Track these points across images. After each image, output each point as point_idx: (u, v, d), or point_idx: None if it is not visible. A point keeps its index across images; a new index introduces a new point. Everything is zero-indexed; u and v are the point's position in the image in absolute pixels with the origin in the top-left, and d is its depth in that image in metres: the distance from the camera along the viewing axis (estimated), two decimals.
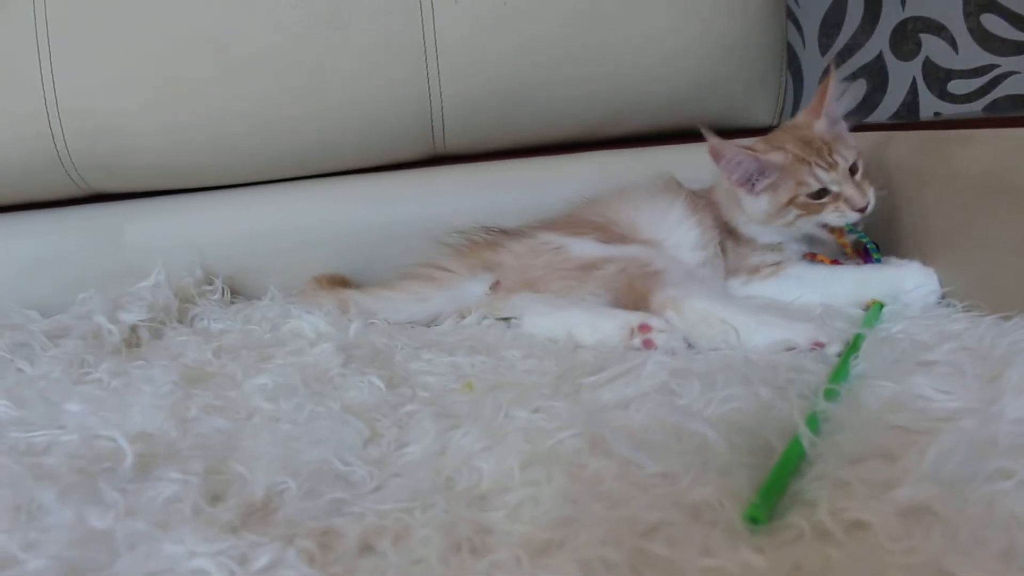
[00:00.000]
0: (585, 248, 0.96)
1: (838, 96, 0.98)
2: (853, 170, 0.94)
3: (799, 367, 0.69)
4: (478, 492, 0.53)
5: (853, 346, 0.71)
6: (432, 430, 0.64)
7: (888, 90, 1.55)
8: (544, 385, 0.71)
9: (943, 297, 0.87)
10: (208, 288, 1.22)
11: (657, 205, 1.04)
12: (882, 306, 0.86)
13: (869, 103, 1.57)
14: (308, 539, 0.48)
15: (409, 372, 0.81)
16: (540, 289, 0.93)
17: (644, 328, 0.80)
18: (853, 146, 0.95)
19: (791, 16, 1.56)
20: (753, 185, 0.96)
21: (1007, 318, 0.74)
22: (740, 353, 0.73)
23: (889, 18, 1.53)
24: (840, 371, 0.66)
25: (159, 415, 0.71)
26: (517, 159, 1.30)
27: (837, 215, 0.94)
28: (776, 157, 0.94)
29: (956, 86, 1.51)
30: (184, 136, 1.22)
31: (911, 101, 1.54)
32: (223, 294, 1.23)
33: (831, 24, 1.57)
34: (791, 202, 0.94)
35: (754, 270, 0.99)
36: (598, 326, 0.83)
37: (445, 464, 0.59)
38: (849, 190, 0.92)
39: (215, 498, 0.56)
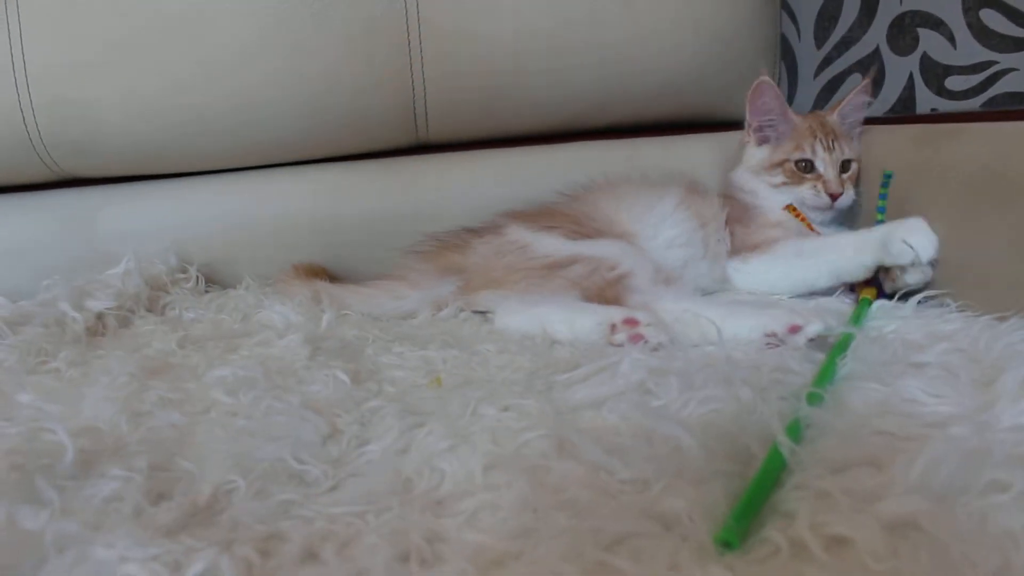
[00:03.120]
0: (552, 246, 0.94)
1: (857, 105, 1.05)
2: (845, 167, 1.02)
3: (784, 367, 0.65)
4: (437, 496, 0.50)
5: (841, 345, 0.67)
6: (395, 427, 0.61)
7: (885, 85, 1.52)
8: (516, 382, 0.68)
9: (936, 297, 0.84)
10: (182, 276, 1.18)
11: (640, 199, 1.01)
12: (870, 301, 0.83)
13: None
14: (249, 545, 0.45)
15: (378, 366, 0.78)
16: (504, 289, 0.90)
17: (630, 322, 0.76)
18: (854, 150, 1.03)
19: (786, 8, 1.52)
20: (766, 137, 1.06)
21: (1003, 318, 0.71)
22: (723, 352, 0.70)
23: (887, 12, 1.49)
24: (826, 372, 0.62)
25: (111, 408, 0.67)
26: (502, 148, 1.26)
27: (813, 193, 1.01)
28: (797, 119, 1.06)
29: (954, 82, 1.47)
30: (158, 119, 1.18)
31: (907, 97, 1.50)
32: (197, 282, 1.19)
33: (827, 17, 1.53)
34: (782, 164, 1.03)
35: (755, 247, 1.01)
36: (575, 322, 0.79)
37: (406, 464, 0.55)
38: (830, 173, 1.00)
39: (160, 497, 0.53)
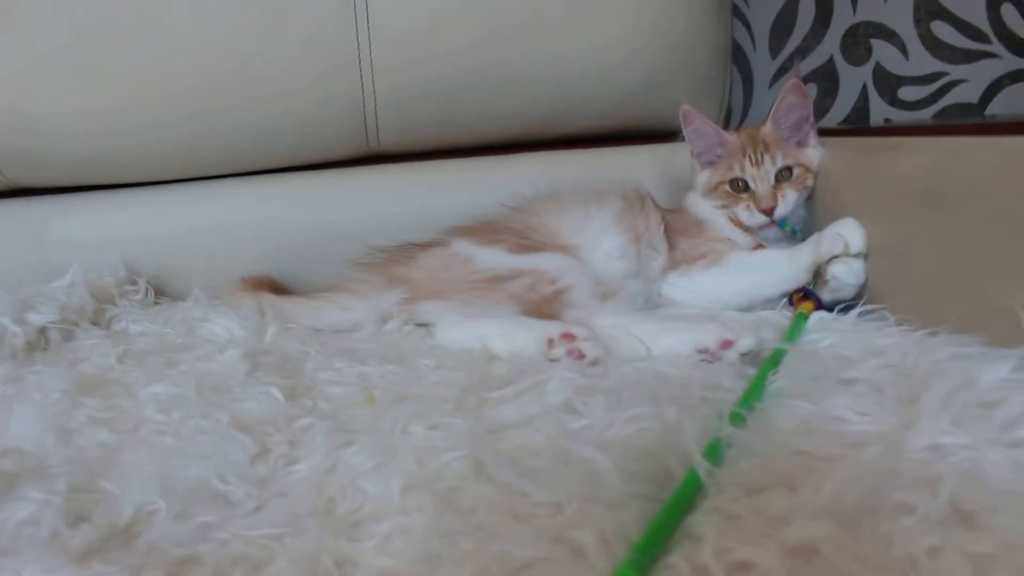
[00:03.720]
0: (494, 259, 0.94)
1: (790, 106, 1.00)
2: (781, 176, 0.99)
3: (714, 384, 0.66)
4: (356, 517, 0.50)
5: (772, 361, 0.68)
6: (324, 446, 0.60)
7: (839, 95, 1.53)
8: (449, 399, 0.68)
9: (875, 311, 0.84)
10: (130, 288, 1.16)
11: (580, 211, 1.02)
12: (807, 316, 0.83)
13: (819, 108, 1.55)
14: (160, 570, 0.44)
15: (316, 382, 0.77)
16: (446, 299, 0.89)
17: (567, 336, 0.76)
18: (793, 156, 0.99)
19: (740, 18, 1.53)
20: (710, 162, 1.05)
21: (935, 333, 0.72)
22: (653, 368, 0.70)
23: (840, 22, 1.51)
24: (754, 389, 0.63)
25: (40, 426, 0.66)
26: (456, 159, 1.26)
27: (747, 213, 0.99)
28: (731, 138, 1.03)
29: (906, 92, 1.49)
30: (107, 130, 1.17)
31: (862, 107, 1.52)
32: (147, 294, 1.18)
33: (782, 27, 1.54)
34: (718, 187, 1.02)
35: (699, 258, 1.00)
36: (513, 336, 0.79)
37: (331, 484, 0.55)
38: (761, 188, 0.98)
39: (79, 519, 0.52)
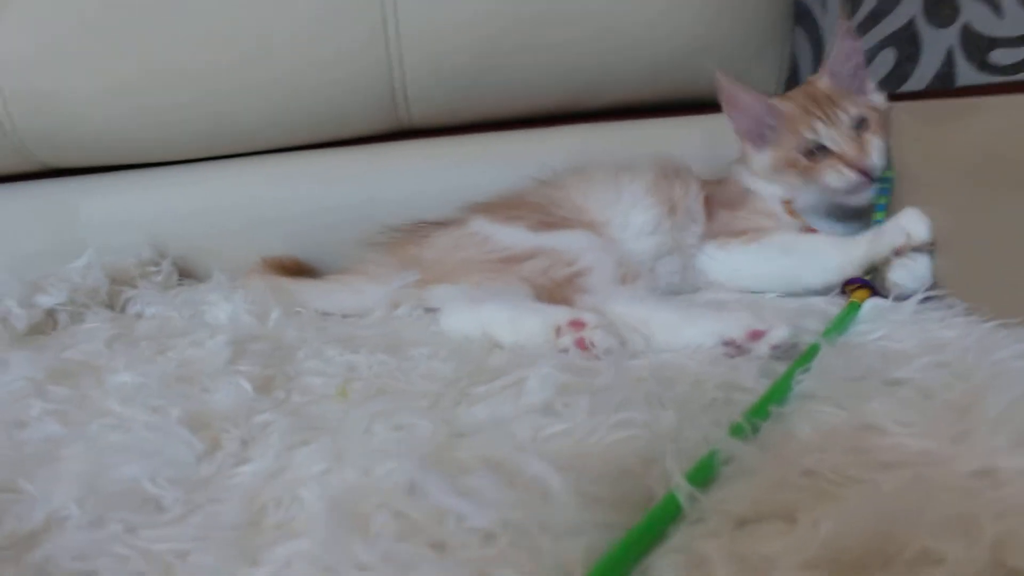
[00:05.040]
0: (513, 238, 0.86)
1: (847, 53, 0.90)
2: (861, 126, 0.87)
3: (733, 383, 0.56)
4: (274, 535, 0.43)
5: (804, 357, 0.57)
6: (277, 445, 0.54)
7: (921, 60, 1.38)
8: (428, 394, 0.60)
9: (942, 297, 0.72)
10: (153, 269, 1.13)
11: (611, 184, 0.93)
12: (858, 306, 0.72)
13: (899, 74, 1.40)
14: None
15: (300, 371, 0.70)
16: (456, 283, 0.82)
17: (576, 324, 0.67)
18: (864, 103, 0.88)
19: None
20: (762, 136, 0.92)
21: (1007, 325, 0.61)
22: (671, 361, 0.61)
23: None
24: (777, 391, 0.52)
25: None
26: (491, 132, 1.18)
27: (838, 177, 0.86)
28: (784, 105, 0.91)
29: (999, 56, 1.32)
30: (131, 108, 1.14)
31: (946, 73, 1.36)
32: (170, 276, 1.14)
33: None
34: (789, 160, 0.89)
35: (739, 233, 0.90)
36: (520, 323, 0.71)
37: (269, 491, 0.48)
38: (847, 147, 0.85)
39: None
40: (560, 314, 0.69)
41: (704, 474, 0.42)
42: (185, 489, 0.50)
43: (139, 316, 1.01)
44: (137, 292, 1.06)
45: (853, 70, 0.89)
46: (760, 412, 0.49)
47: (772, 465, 0.42)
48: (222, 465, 0.53)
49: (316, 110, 1.15)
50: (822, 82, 0.90)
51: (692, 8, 1.06)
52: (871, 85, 0.90)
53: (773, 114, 0.90)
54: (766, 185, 0.93)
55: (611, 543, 0.36)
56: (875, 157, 0.85)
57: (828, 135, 0.87)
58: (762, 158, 0.93)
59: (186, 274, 1.18)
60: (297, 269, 1.09)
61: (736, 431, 0.45)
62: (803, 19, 1.42)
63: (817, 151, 0.87)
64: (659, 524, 0.37)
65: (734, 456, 0.43)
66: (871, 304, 0.72)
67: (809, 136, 0.87)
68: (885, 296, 0.76)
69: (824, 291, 0.81)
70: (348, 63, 1.11)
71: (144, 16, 1.10)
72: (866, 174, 0.84)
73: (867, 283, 0.78)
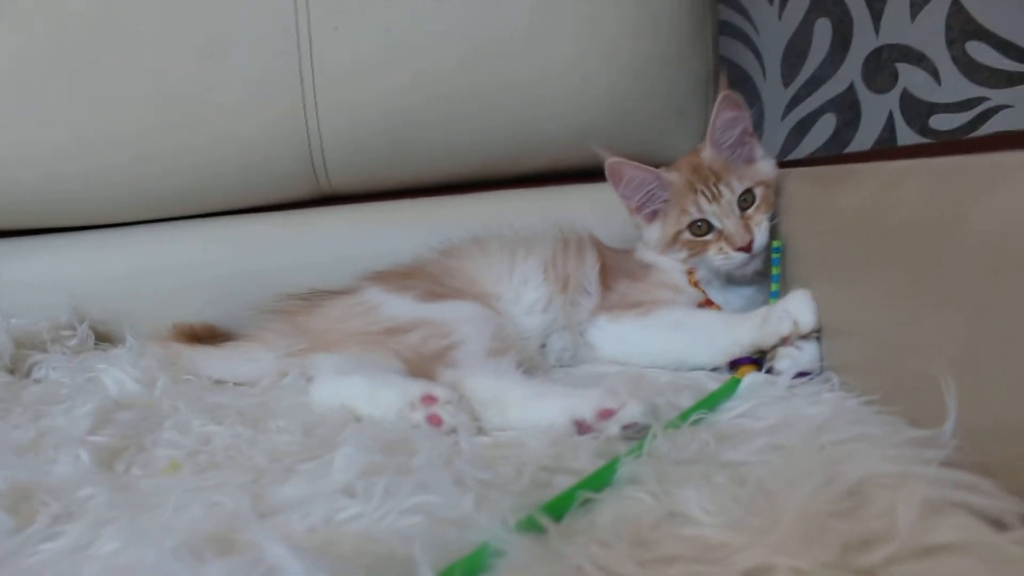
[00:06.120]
0: (399, 308, 0.84)
1: (727, 123, 0.87)
2: (744, 203, 0.85)
3: (559, 466, 0.53)
4: None
5: (638, 446, 0.55)
6: (86, 523, 0.52)
7: (861, 125, 1.37)
8: (256, 470, 0.58)
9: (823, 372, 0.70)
10: (67, 333, 1.12)
11: (505, 258, 0.92)
12: (739, 381, 0.69)
13: (840, 140, 1.39)
14: None
15: (156, 442, 0.68)
16: (338, 351, 0.80)
17: (427, 400, 0.65)
18: (749, 176, 0.86)
19: (750, 45, 1.40)
20: (653, 211, 0.92)
21: (872, 403, 0.58)
22: (511, 439, 0.58)
23: (861, 46, 1.36)
24: (595, 476, 0.50)
25: None
26: (410, 199, 1.17)
27: (722, 257, 0.85)
28: (671, 176, 0.90)
29: (939, 121, 1.32)
30: (48, 170, 1.14)
31: (888, 138, 1.35)
32: (86, 339, 1.13)
33: (795, 52, 1.40)
34: (677, 237, 0.88)
35: (635, 305, 0.88)
36: (377, 396, 0.69)
37: (55, 570, 0.47)
38: (730, 224, 0.84)
39: None
40: (415, 388, 0.67)
41: (472, 567, 0.39)
42: None
43: (38, 381, 0.99)
44: (45, 357, 1.04)
45: (738, 138, 0.87)
46: (567, 499, 0.47)
47: (543, 561, 0.40)
48: (26, 542, 0.51)
49: (239, 176, 1.15)
50: (706, 154, 0.88)
51: (609, 77, 1.06)
52: (760, 151, 0.89)
53: (663, 185, 0.89)
54: (664, 258, 0.91)
55: None
56: (759, 237, 0.84)
57: (712, 213, 0.86)
58: (654, 232, 0.92)
59: (105, 338, 1.17)
60: (210, 335, 1.07)
61: (527, 524, 0.42)
62: (744, 84, 1.42)
63: (703, 226, 0.87)
64: None
65: (506, 550, 0.40)
66: (750, 379, 0.70)
67: (694, 214, 0.86)
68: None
69: (711, 369, 0.79)
70: (270, 132, 1.12)
71: (72, 83, 1.11)
72: (749, 252, 0.83)
73: (754, 360, 0.75)
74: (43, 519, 0.54)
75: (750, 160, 0.88)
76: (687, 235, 0.88)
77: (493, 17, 1.05)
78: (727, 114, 0.85)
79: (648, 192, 0.90)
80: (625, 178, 0.90)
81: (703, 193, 0.85)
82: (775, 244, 0.84)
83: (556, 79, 1.06)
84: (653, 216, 0.92)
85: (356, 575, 0.38)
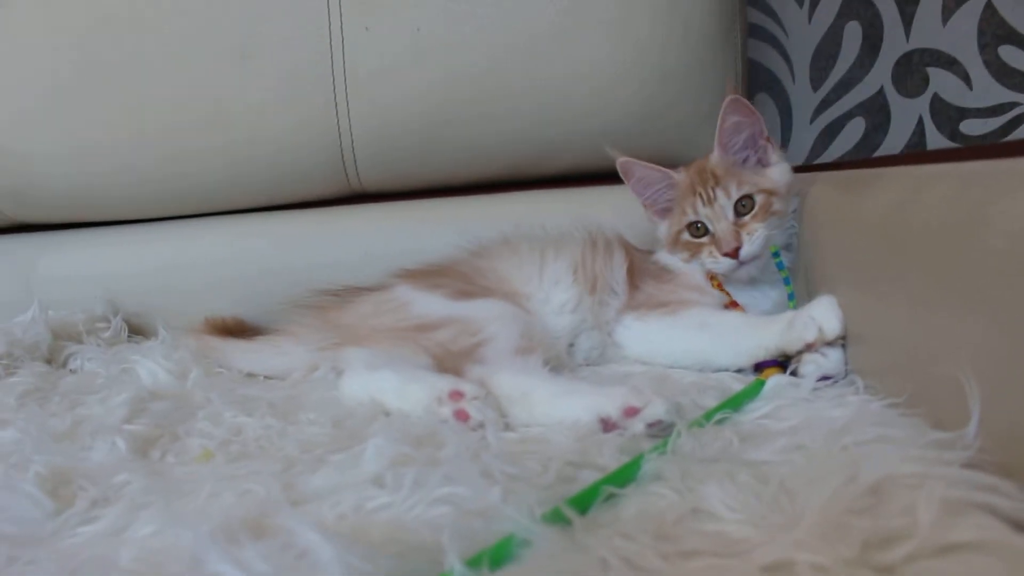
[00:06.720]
0: (430, 306, 0.86)
1: (733, 128, 0.87)
2: (741, 209, 0.86)
3: (585, 461, 0.54)
4: None
5: (663, 443, 0.55)
6: (123, 506, 0.54)
7: (890, 130, 1.37)
8: (288, 460, 0.59)
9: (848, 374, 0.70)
10: (102, 326, 1.14)
11: (536, 258, 0.93)
12: (763, 383, 0.69)
13: (869, 144, 1.39)
14: None
15: (189, 432, 0.70)
16: (367, 346, 0.81)
17: (455, 395, 0.66)
18: (751, 182, 0.86)
19: (778, 48, 1.40)
20: (666, 208, 0.94)
21: (896, 405, 0.58)
22: (538, 435, 0.59)
23: (891, 50, 1.35)
24: (620, 471, 0.51)
25: None
26: (439, 198, 1.19)
27: (712, 260, 0.87)
28: (678, 176, 0.92)
29: (970, 126, 1.31)
30: (84, 166, 1.18)
31: (917, 143, 1.35)
32: (119, 332, 1.15)
33: (825, 56, 1.39)
34: (678, 236, 0.91)
35: (661, 305, 0.88)
36: (406, 391, 0.70)
37: (85, 551, 0.48)
38: (721, 228, 0.85)
39: None
40: (443, 384, 0.68)
41: (498, 557, 0.40)
42: (16, 545, 0.49)
43: (73, 372, 1.02)
44: (81, 348, 1.07)
45: (748, 142, 0.87)
46: (592, 493, 0.48)
47: (568, 552, 0.41)
48: (65, 525, 0.53)
49: (270, 174, 1.17)
50: (712, 157, 0.88)
51: (638, 79, 1.07)
52: (776, 156, 0.88)
53: (671, 185, 0.92)
54: (681, 263, 0.92)
55: None
56: (748, 245, 0.84)
57: (706, 216, 0.87)
58: (662, 229, 0.95)
59: (138, 331, 1.20)
60: (240, 329, 1.09)
61: (552, 516, 0.43)
62: (772, 87, 1.42)
63: (700, 229, 0.88)
64: None
65: (532, 541, 0.41)
66: (774, 381, 0.70)
67: (691, 215, 0.88)
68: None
69: (736, 370, 0.79)
70: (301, 131, 1.14)
71: (110, 82, 1.14)
72: (737, 259, 0.84)
73: (779, 363, 0.76)
74: (82, 503, 0.56)
75: (763, 165, 0.88)
76: (686, 235, 0.89)
77: (523, 18, 1.06)
78: (733, 118, 0.85)
79: (657, 190, 0.93)
80: (635, 176, 0.93)
81: (700, 195, 0.87)
82: (773, 250, 0.85)
83: (585, 80, 1.07)
84: (664, 214, 0.94)
85: (385, 561, 0.39)
